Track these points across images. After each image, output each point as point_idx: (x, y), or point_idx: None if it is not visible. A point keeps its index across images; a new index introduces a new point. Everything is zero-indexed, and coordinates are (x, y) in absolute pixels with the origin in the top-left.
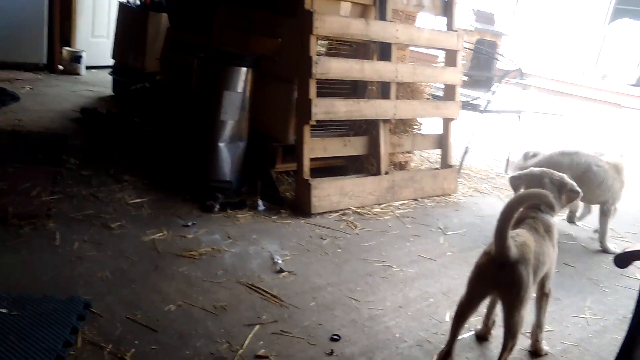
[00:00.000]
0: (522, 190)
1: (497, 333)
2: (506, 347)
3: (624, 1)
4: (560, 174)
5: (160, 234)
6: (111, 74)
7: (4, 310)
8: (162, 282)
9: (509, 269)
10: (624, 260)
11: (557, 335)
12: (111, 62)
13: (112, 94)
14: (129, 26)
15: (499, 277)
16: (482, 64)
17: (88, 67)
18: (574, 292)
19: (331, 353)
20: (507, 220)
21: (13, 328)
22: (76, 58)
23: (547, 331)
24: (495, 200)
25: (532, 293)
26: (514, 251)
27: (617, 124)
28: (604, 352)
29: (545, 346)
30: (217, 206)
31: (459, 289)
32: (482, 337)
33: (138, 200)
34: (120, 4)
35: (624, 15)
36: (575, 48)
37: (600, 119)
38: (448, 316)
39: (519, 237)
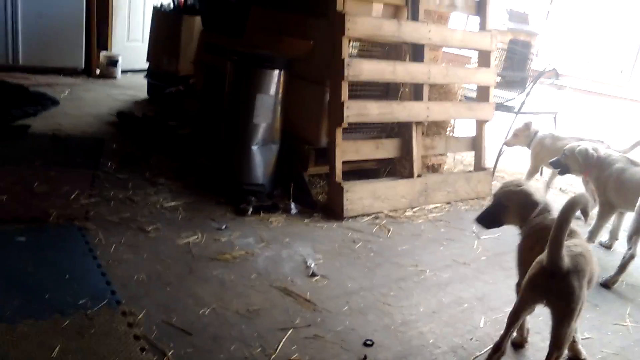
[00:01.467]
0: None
1: (533, 340)
2: (550, 358)
3: None
4: None
5: (195, 237)
6: (146, 77)
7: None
8: (197, 285)
9: (560, 279)
10: None
11: (596, 343)
12: (146, 65)
13: (147, 97)
14: (163, 30)
15: (549, 287)
16: (516, 65)
17: (124, 71)
18: (612, 299)
19: (364, 358)
20: (562, 227)
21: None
22: (112, 62)
23: (586, 338)
24: None
25: (584, 305)
26: (566, 261)
27: None
28: None
29: (583, 350)
30: (250, 209)
31: (494, 294)
32: (518, 344)
33: (173, 204)
34: (155, 8)
35: None
36: (613, 47)
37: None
38: (483, 322)
39: (576, 248)
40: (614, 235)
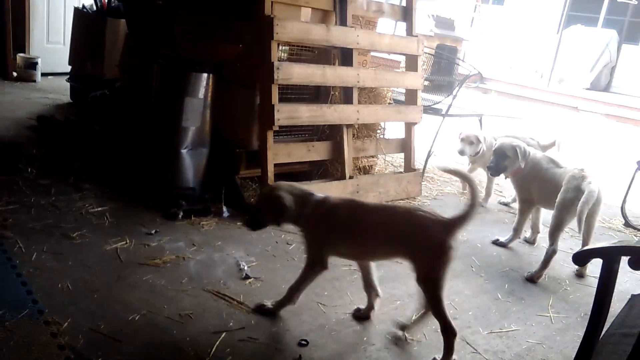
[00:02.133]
0: None
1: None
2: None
3: (576, 8)
4: None
5: (123, 242)
6: (68, 80)
7: None
8: (126, 291)
9: None
10: (582, 258)
11: (522, 334)
12: (68, 68)
13: (70, 101)
14: (86, 32)
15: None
16: (443, 69)
17: (44, 74)
18: (537, 292)
19: (299, 358)
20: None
21: None
22: (31, 64)
23: (512, 330)
24: (458, 203)
25: None
26: None
27: (575, 127)
28: (568, 349)
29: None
30: (181, 213)
31: None
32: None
33: (99, 209)
34: (76, 9)
35: (577, 22)
36: (533, 53)
37: (559, 122)
38: (415, 318)
39: None
40: (535, 230)
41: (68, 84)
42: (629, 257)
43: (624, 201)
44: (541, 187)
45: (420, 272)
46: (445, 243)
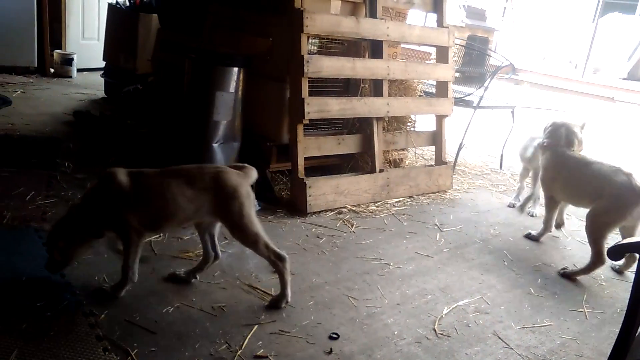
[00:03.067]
0: None
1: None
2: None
3: None
4: None
5: (157, 236)
6: (103, 76)
7: None
8: (160, 284)
9: None
10: (617, 252)
11: (555, 329)
12: (102, 64)
13: (104, 96)
14: (119, 28)
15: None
16: (474, 60)
17: (79, 70)
18: (570, 287)
19: (330, 352)
20: None
21: None
22: (67, 60)
23: (546, 325)
24: (489, 196)
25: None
26: None
27: (611, 118)
28: (603, 345)
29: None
30: None
31: (456, 285)
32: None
33: None
34: (110, 5)
35: (614, 10)
36: (567, 43)
37: (594, 113)
38: (446, 312)
39: None
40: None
41: (102, 79)
42: None
43: None
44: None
45: (228, 223)
46: (239, 188)
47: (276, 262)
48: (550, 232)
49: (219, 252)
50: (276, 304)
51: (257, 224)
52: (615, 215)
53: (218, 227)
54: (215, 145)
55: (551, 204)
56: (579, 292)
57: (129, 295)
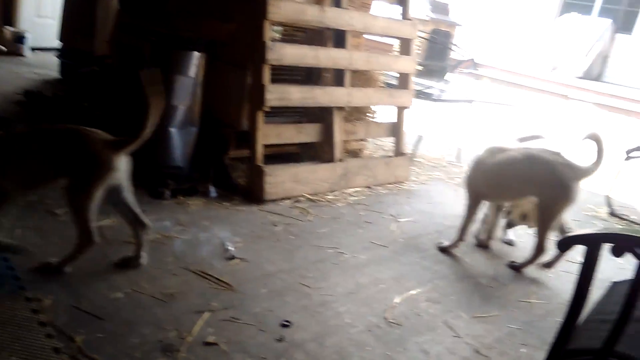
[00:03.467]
0: None
1: None
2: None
3: None
4: None
5: (108, 220)
6: (58, 56)
7: None
8: (110, 269)
9: None
10: (566, 244)
11: (503, 319)
12: (58, 44)
13: (59, 77)
14: (77, 7)
15: None
16: (437, 54)
17: (33, 49)
18: (520, 278)
19: (281, 339)
20: None
21: None
22: (19, 38)
23: (494, 315)
24: (445, 188)
25: None
26: None
27: (563, 115)
28: (547, 334)
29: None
30: (168, 192)
31: (410, 274)
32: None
33: None
34: None
35: (572, 10)
36: (527, 40)
37: (548, 110)
38: (398, 300)
39: None
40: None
41: (57, 59)
42: (611, 244)
43: (610, 190)
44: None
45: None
46: (105, 161)
47: (82, 239)
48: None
49: (144, 220)
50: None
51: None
52: (565, 202)
53: (128, 195)
54: (172, 129)
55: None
56: (527, 283)
57: (76, 281)
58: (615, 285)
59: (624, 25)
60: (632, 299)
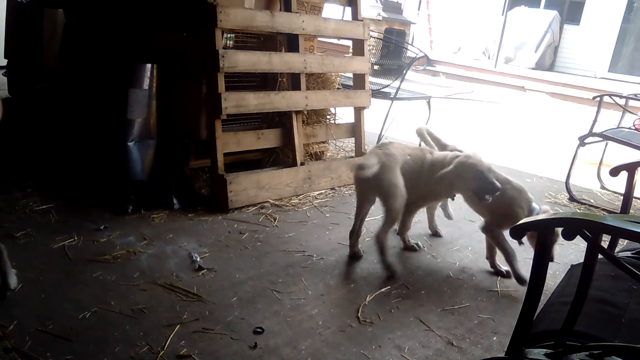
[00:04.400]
0: None
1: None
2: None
3: None
4: None
5: (71, 240)
6: (5, 74)
7: None
8: (75, 289)
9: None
10: (519, 231)
11: (473, 309)
12: (4, 61)
13: (9, 95)
14: (22, 23)
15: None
16: (392, 53)
17: None
18: (487, 268)
19: (255, 346)
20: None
21: None
22: None
23: (464, 306)
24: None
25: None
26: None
27: (522, 106)
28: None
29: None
30: (130, 207)
31: (378, 272)
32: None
33: (44, 207)
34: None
35: (520, 3)
36: (480, 35)
37: (506, 102)
38: (368, 299)
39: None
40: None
41: (4, 77)
42: (562, 228)
43: (568, 176)
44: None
45: None
46: None
47: None
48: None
49: None
50: None
51: None
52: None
53: None
54: (130, 144)
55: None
56: (494, 273)
57: (41, 304)
58: (574, 268)
59: (570, 16)
60: (585, 279)
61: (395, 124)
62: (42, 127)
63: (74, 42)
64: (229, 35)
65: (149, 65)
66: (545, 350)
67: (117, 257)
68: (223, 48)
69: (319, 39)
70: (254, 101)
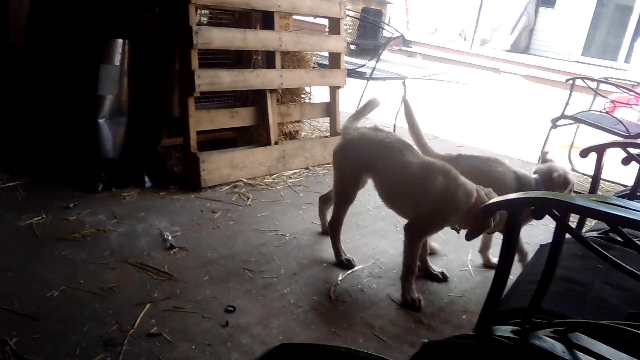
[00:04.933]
0: None
1: None
2: None
3: None
4: None
5: (39, 217)
6: None
7: None
8: (43, 268)
9: None
10: (489, 210)
11: (443, 288)
12: None
13: None
14: None
15: None
16: (369, 33)
17: None
18: (458, 247)
19: (226, 324)
20: None
21: None
22: None
23: (435, 285)
24: None
25: None
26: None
27: (497, 88)
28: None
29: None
30: (101, 185)
31: (351, 252)
32: None
33: (10, 184)
34: None
35: None
36: (456, 16)
37: (481, 84)
38: (340, 277)
39: None
40: None
41: None
42: (532, 207)
43: (540, 158)
44: None
45: None
46: None
47: None
48: None
49: None
50: None
51: None
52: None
53: None
54: (101, 121)
55: None
56: (465, 253)
57: (7, 283)
58: (542, 247)
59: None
60: (553, 258)
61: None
62: (8, 102)
63: (43, 15)
64: (202, 11)
65: (120, 41)
66: (512, 327)
67: (87, 235)
68: (197, 24)
69: (294, 16)
70: (228, 79)
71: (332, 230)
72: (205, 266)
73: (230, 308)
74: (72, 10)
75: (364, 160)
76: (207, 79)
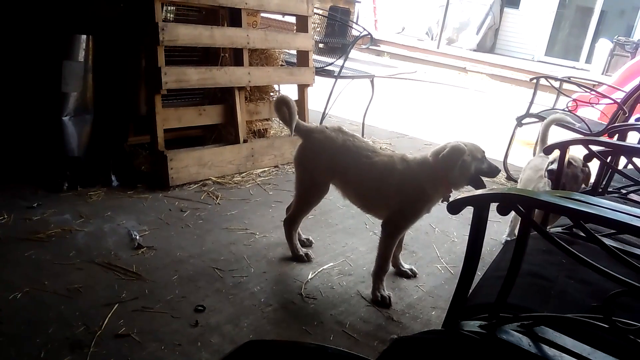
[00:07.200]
0: None
1: None
2: None
3: None
4: None
5: (1, 218)
6: None
7: None
8: (5, 269)
9: None
10: (456, 206)
11: (413, 285)
12: None
13: None
14: None
15: None
16: (337, 31)
17: None
18: (427, 245)
19: (196, 324)
20: None
21: None
22: None
23: (404, 282)
24: None
25: None
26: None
27: (463, 87)
28: None
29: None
30: (66, 184)
31: (320, 249)
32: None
33: None
34: None
35: None
36: (423, 16)
37: (448, 83)
38: (311, 275)
39: None
40: None
41: None
42: (497, 204)
43: (506, 156)
44: None
45: None
46: None
47: None
48: None
49: None
50: None
51: None
52: None
53: None
54: (65, 118)
55: None
56: (434, 250)
57: None
58: (508, 243)
59: (510, 0)
60: (519, 253)
61: (339, 102)
62: None
63: (2, 9)
64: (169, 7)
65: (84, 36)
66: (480, 322)
67: (52, 235)
68: (163, 21)
69: (262, 14)
70: (195, 76)
71: (288, 229)
72: (174, 265)
73: (199, 307)
74: (33, 3)
75: (328, 165)
76: (174, 77)
